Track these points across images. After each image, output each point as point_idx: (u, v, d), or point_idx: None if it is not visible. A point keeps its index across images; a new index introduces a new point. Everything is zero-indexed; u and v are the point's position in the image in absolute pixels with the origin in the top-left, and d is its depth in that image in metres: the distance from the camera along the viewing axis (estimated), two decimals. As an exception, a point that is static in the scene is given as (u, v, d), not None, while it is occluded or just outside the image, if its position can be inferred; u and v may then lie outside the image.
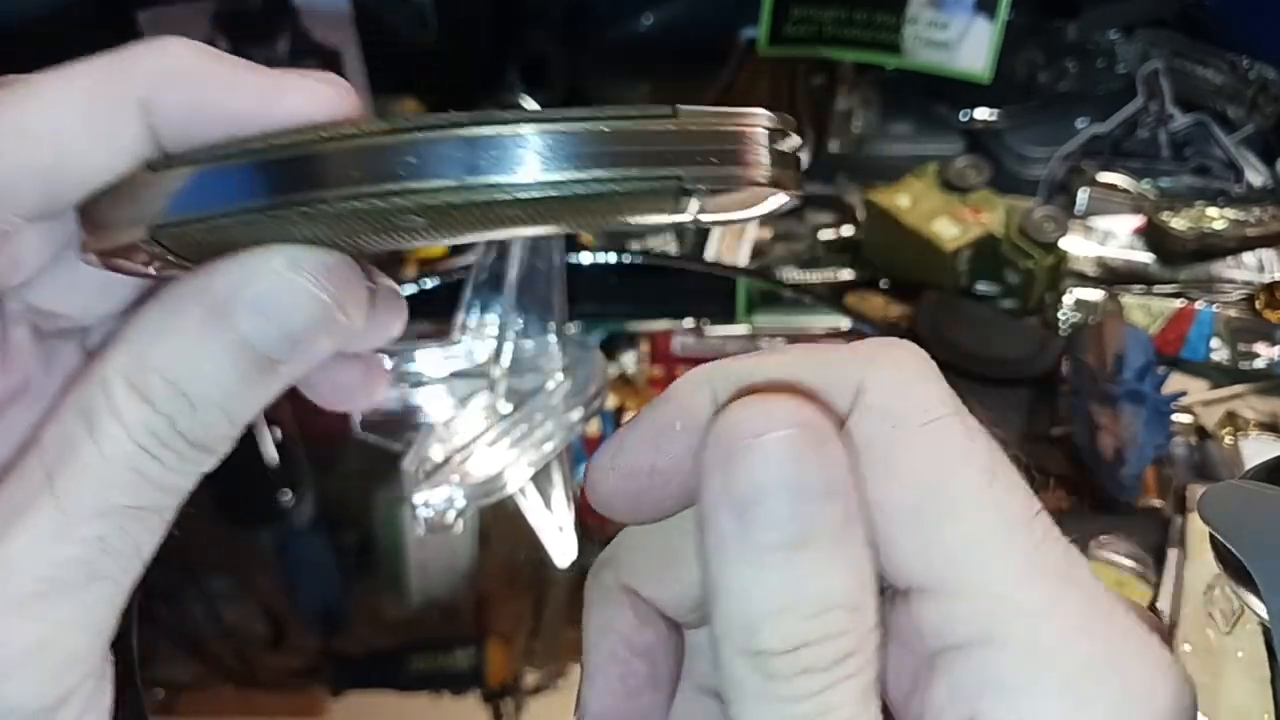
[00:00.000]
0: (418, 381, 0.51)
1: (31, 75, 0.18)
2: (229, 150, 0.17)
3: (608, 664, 0.20)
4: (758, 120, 0.18)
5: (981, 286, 0.69)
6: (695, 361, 0.65)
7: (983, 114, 0.80)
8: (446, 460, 0.47)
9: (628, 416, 0.63)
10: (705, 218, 0.19)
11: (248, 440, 0.58)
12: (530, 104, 0.77)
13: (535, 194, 0.17)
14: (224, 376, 0.18)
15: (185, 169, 0.18)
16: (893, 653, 0.18)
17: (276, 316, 0.18)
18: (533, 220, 0.18)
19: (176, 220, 0.17)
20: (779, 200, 0.19)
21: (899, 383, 0.18)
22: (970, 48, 0.67)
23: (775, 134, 0.19)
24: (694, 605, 0.20)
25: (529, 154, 0.16)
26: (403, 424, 0.49)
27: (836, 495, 0.16)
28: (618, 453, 0.20)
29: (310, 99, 0.18)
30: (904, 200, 0.68)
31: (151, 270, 0.19)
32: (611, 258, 0.64)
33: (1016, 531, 0.17)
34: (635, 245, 0.74)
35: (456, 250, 0.75)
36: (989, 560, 0.17)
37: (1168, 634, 0.18)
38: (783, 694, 0.16)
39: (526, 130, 0.16)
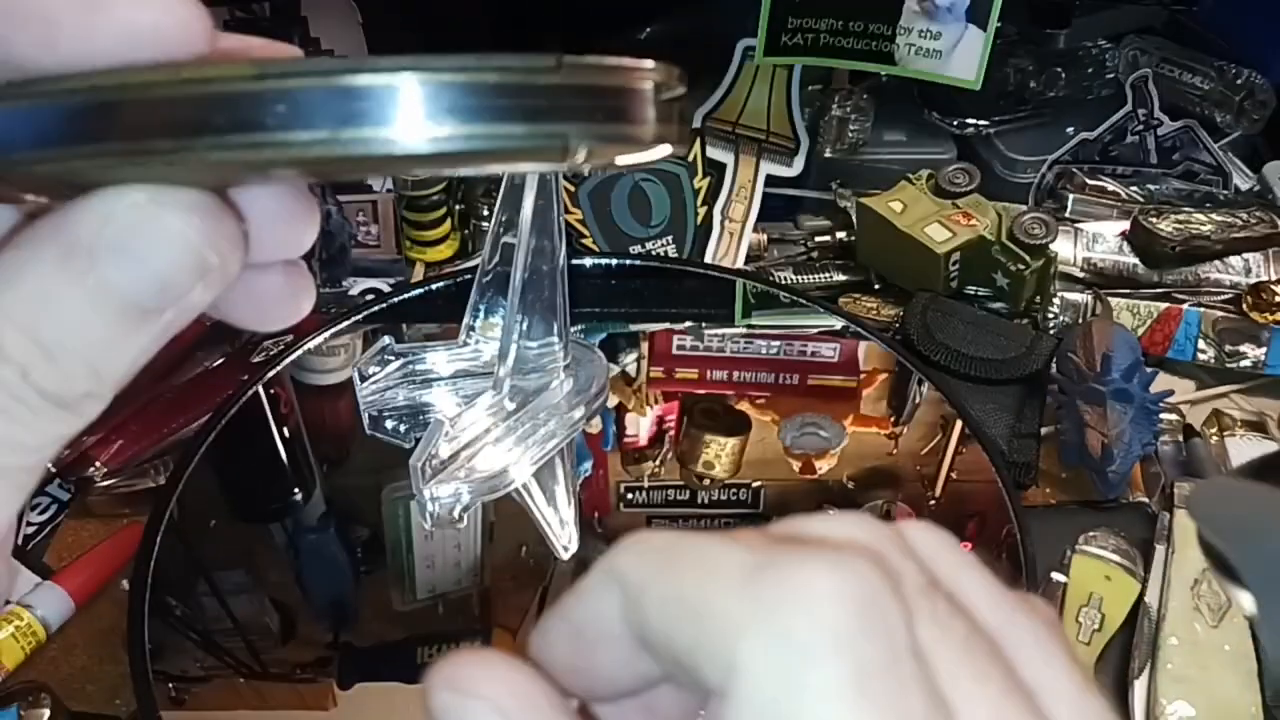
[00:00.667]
0: (426, 381, 0.52)
1: None
2: (75, 84, 0.15)
3: None
4: (645, 73, 0.17)
5: (972, 289, 0.70)
6: (693, 362, 0.66)
7: (974, 121, 0.81)
8: (453, 457, 0.48)
9: (629, 415, 0.65)
10: (585, 167, 0.18)
11: (259, 437, 0.59)
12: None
13: (412, 149, 0.15)
14: (85, 324, 0.16)
15: (21, 101, 0.16)
16: None
17: (140, 256, 0.16)
18: (410, 168, 0.17)
19: (11, 159, 0.16)
20: (662, 152, 0.18)
21: (775, 670, 0.14)
22: (962, 57, 0.69)
23: (660, 86, 0.17)
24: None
25: (408, 107, 0.15)
26: (412, 422, 0.51)
27: None
28: (542, 647, 0.18)
29: (144, 11, 0.16)
30: (897, 205, 0.70)
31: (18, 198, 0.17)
32: (613, 261, 0.66)
33: None
34: (636, 249, 0.76)
35: (461, 254, 0.76)
36: None
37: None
38: None
39: (405, 81, 0.15)
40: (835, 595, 0.14)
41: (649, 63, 0.17)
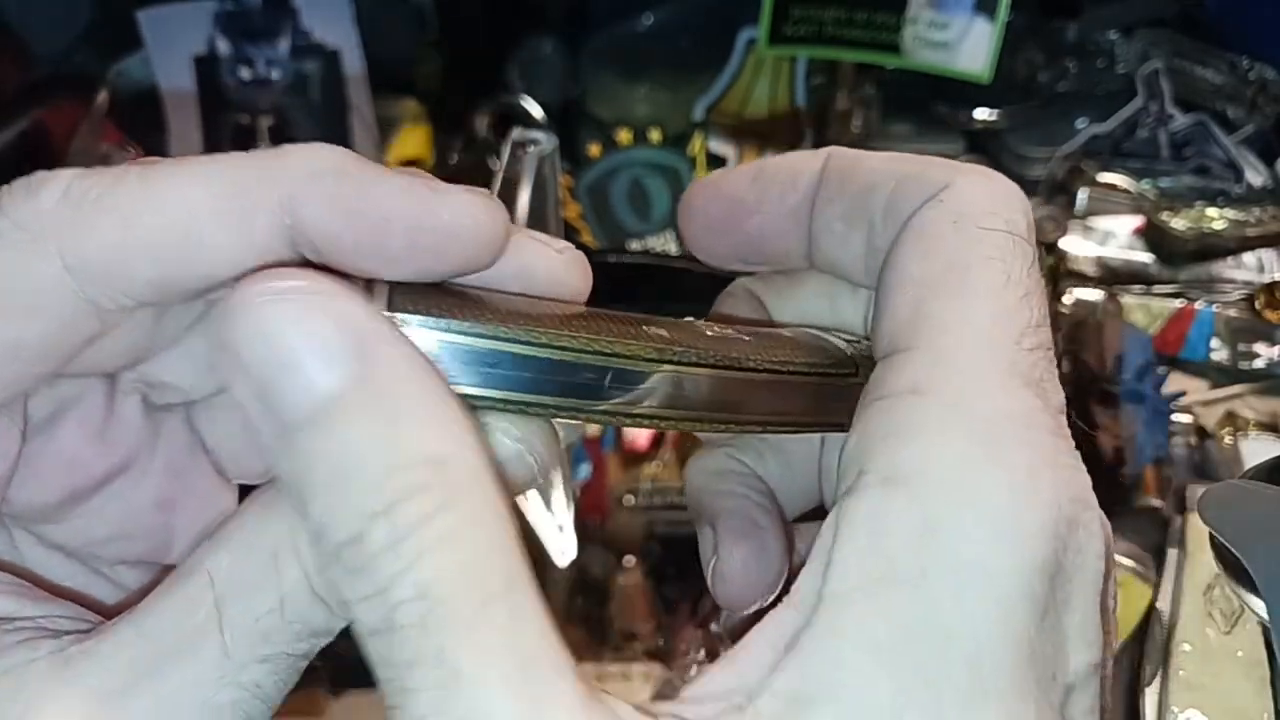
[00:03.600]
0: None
1: (175, 159, 0.18)
2: (464, 327, 0.17)
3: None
4: None
5: (981, 286, 0.69)
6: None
7: (983, 114, 0.80)
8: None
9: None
10: None
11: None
12: (533, 107, 0.78)
13: (737, 429, 0.19)
14: None
15: (432, 333, 0.17)
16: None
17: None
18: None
19: None
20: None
21: (976, 194, 0.18)
22: (970, 48, 0.67)
23: None
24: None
25: (726, 393, 0.19)
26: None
27: (351, 356, 0.15)
28: (723, 176, 0.22)
29: (467, 212, 0.17)
30: (904, 200, 0.69)
31: None
32: (612, 257, 0.64)
33: (1004, 327, 0.17)
34: (636, 245, 0.75)
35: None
36: (963, 334, 0.17)
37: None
38: (370, 588, 0.14)
39: (736, 378, 0.19)
40: (1017, 190, 0.19)
41: None
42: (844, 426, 0.18)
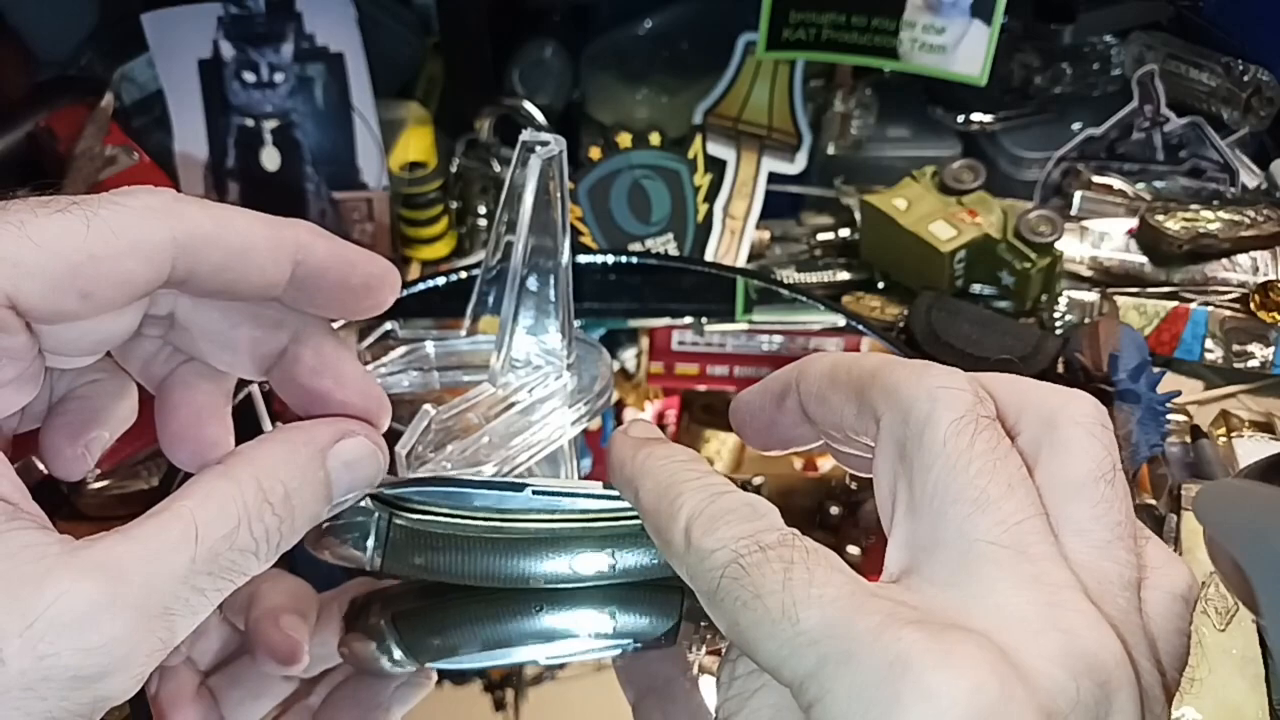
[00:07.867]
0: (430, 369, 0.51)
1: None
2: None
3: None
4: None
5: (977, 288, 0.69)
6: (694, 358, 0.66)
7: (979, 117, 0.81)
8: (440, 448, 0.47)
9: (628, 412, 0.64)
10: None
11: (253, 435, 0.58)
12: (532, 109, 0.78)
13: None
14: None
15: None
16: None
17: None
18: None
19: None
20: None
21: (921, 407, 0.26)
22: (966, 51, 0.68)
23: None
24: None
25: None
26: (410, 410, 0.50)
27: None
28: (749, 398, 0.31)
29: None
30: (901, 202, 0.69)
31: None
32: (613, 257, 0.65)
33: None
34: (635, 247, 0.75)
35: (458, 252, 0.76)
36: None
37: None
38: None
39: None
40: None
41: None
42: None
